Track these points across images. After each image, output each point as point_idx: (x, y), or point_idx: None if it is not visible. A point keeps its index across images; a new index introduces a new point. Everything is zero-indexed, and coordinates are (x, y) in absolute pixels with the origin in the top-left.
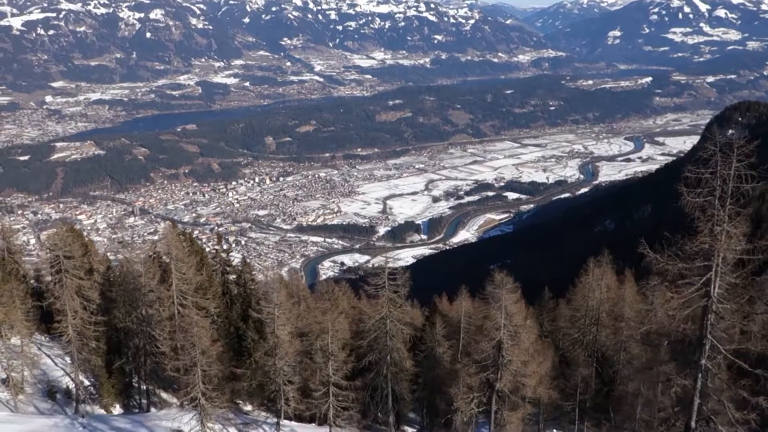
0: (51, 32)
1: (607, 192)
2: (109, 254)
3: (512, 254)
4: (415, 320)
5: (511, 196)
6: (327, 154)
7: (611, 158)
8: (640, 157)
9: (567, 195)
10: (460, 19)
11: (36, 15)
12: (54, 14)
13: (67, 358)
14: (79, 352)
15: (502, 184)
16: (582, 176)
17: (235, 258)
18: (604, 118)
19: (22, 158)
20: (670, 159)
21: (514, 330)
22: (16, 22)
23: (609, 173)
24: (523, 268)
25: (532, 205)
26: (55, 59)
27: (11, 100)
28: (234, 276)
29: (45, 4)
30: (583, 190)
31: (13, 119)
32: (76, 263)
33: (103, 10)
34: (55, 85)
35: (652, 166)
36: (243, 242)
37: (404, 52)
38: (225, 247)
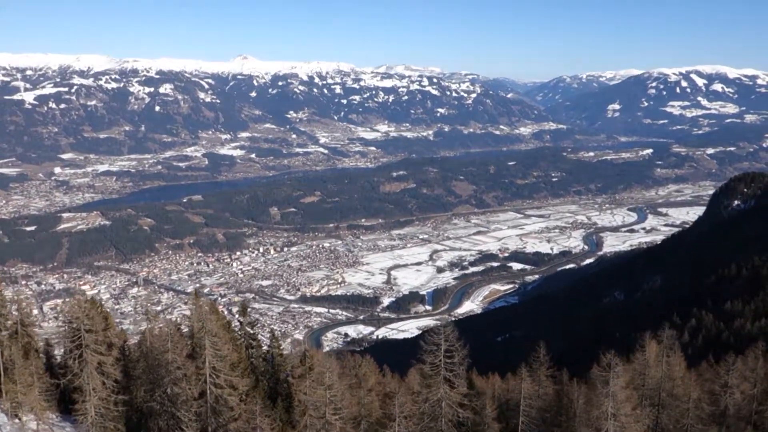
0: (62, 106)
1: (614, 263)
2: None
3: (520, 325)
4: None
5: (516, 266)
6: (331, 225)
7: (615, 229)
8: (643, 228)
9: (572, 266)
10: (462, 93)
11: (48, 89)
12: (66, 89)
13: None
14: None
15: (506, 254)
16: (586, 247)
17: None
18: (607, 189)
19: (28, 228)
20: (675, 229)
21: (623, 421)
22: (29, 96)
23: (613, 244)
24: (532, 339)
25: (537, 276)
26: (65, 132)
27: (20, 171)
28: (257, 350)
29: (58, 79)
30: (588, 260)
31: (21, 190)
32: (98, 337)
33: (114, 85)
34: (64, 156)
35: (657, 237)
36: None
37: (407, 124)
38: (250, 319)
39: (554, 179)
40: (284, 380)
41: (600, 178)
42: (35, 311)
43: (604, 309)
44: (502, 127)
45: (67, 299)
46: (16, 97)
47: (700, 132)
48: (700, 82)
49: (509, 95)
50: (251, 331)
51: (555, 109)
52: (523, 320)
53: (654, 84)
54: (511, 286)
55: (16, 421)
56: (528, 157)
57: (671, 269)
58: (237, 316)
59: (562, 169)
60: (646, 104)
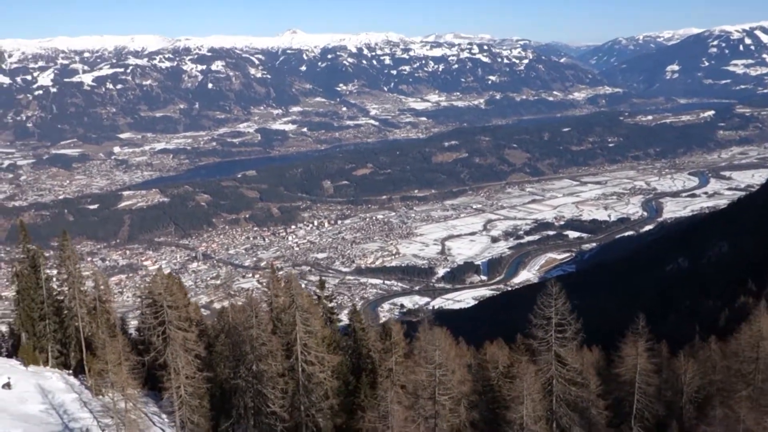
0: (119, 86)
1: (676, 229)
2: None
3: (579, 295)
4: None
5: (573, 234)
6: (384, 197)
7: (675, 194)
8: (705, 193)
9: (631, 233)
10: (513, 60)
11: (105, 71)
12: (122, 69)
13: (164, 416)
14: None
15: (562, 222)
16: (645, 213)
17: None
18: (666, 153)
19: (91, 207)
20: (740, 193)
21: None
22: (87, 78)
23: (674, 209)
24: (592, 309)
25: (594, 244)
26: (122, 112)
27: (82, 151)
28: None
29: (114, 60)
30: (648, 227)
31: (84, 170)
32: (180, 314)
33: (167, 64)
34: (122, 136)
35: (720, 201)
36: (303, 285)
37: (458, 93)
38: (327, 293)
39: (611, 145)
40: (367, 355)
41: (659, 142)
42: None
43: (669, 277)
44: (555, 93)
45: (130, 274)
46: (75, 79)
47: (766, 91)
48: (765, 38)
49: (562, 60)
50: (330, 305)
51: (610, 73)
52: (582, 289)
53: (715, 42)
54: (568, 254)
55: (101, 398)
56: (583, 122)
57: (738, 235)
58: (314, 289)
59: (619, 134)
60: (706, 64)
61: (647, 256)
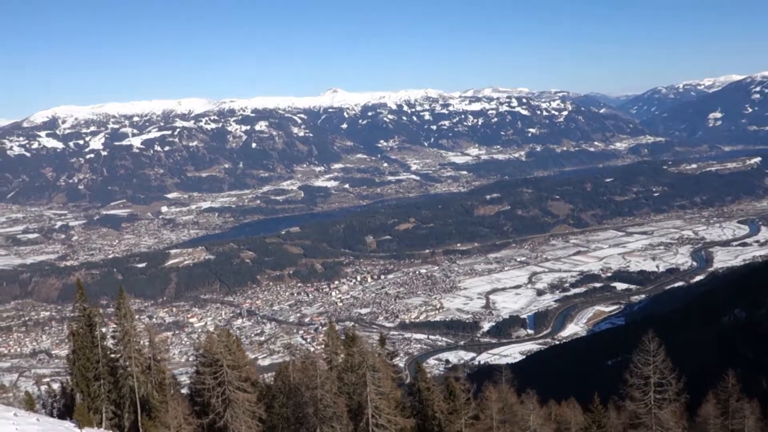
0: (167, 148)
1: (729, 278)
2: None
3: (630, 348)
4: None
5: (620, 286)
6: (427, 251)
7: (725, 243)
8: (757, 241)
9: (681, 283)
10: (553, 111)
11: (153, 133)
12: (169, 132)
13: None
14: None
15: (609, 274)
16: (695, 263)
17: None
18: (713, 201)
19: (139, 265)
20: None
21: None
22: (136, 141)
23: (725, 259)
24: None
25: (643, 296)
26: (170, 173)
27: (131, 212)
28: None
29: (162, 123)
30: (699, 277)
31: (132, 229)
32: (240, 374)
33: (213, 125)
34: (169, 196)
35: None
36: None
37: (498, 146)
38: (389, 350)
39: (655, 194)
40: (432, 416)
41: (705, 190)
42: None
43: (727, 328)
44: (596, 143)
45: (176, 331)
46: (125, 142)
47: None
48: None
49: (602, 110)
50: (392, 363)
51: (651, 122)
52: (633, 342)
53: (758, 88)
54: (616, 307)
55: None
56: (626, 172)
57: None
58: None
59: (663, 183)
60: (750, 110)
61: (701, 307)
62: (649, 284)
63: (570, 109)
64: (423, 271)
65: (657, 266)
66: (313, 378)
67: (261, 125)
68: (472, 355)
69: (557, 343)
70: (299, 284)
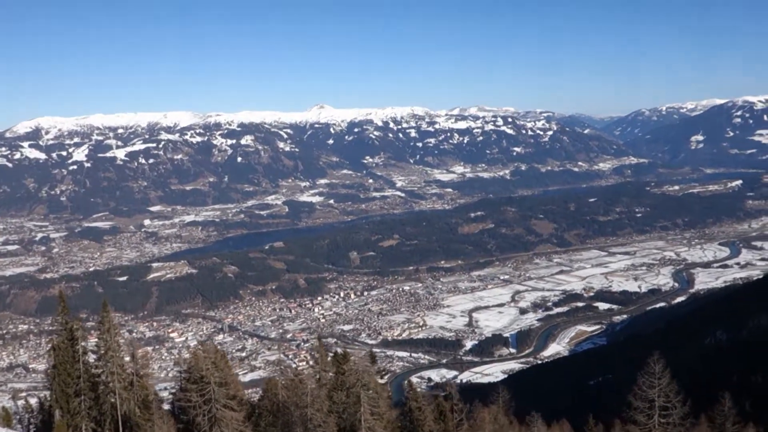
0: (151, 161)
1: (710, 300)
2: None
3: (612, 368)
4: None
5: (602, 306)
6: (411, 268)
7: (706, 265)
8: (738, 263)
9: (662, 304)
10: (538, 131)
11: (138, 146)
12: (154, 144)
13: None
14: None
15: (591, 294)
16: (677, 284)
17: None
18: (695, 223)
19: (120, 279)
20: None
21: None
22: (120, 153)
23: (706, 280)
24: (626, 383)
25: (625, 316)
26: (153, 185)
27: (113, 224)
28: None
29: (147, 136)
30: (680, 298)
31: (114, 242)
32: (228, 391)
33: (198, 139)
34: (153, 209)
35: (753, 272)
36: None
37: (483, 165)
38: (377, 367)
39: (638, 215)
40: None
41: (687, 212)
42: (127, 358)
43: (710, 349)
44: (580, 163)
45: (156, 346)
46: (109, 154)
47: None
48: None
49: (586, 131)
50: (381, 381)
51: (635, 143)
52: (615, 363)
53: (739, 113)
54: (598, 326)
55: None
56: (609, 193)
57: None
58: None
59: (646, 204)
60: (731, 134)
61: (682, 328)
62: (631, 304)
63: (555, 129)
64: (406, 288)
65: (639, 287)
66: (302, 396)
67: (247, 139)
68: (454, 373)
69: (539, 362)
70: (282, 300)
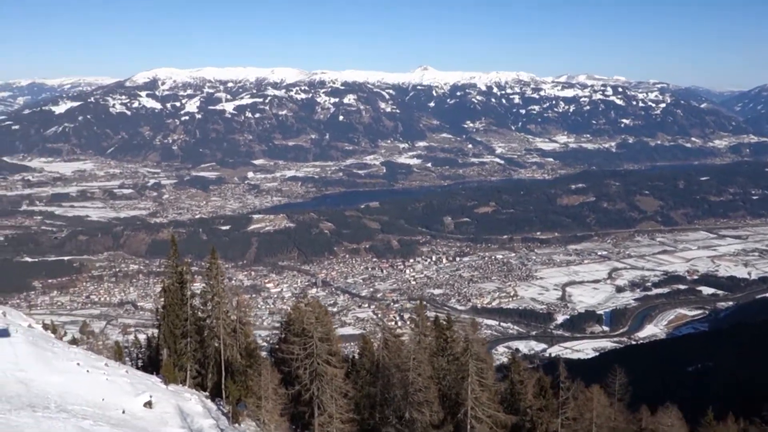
0: (257, 115)
1: None
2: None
3: (713, 356)
4: None
5: (706, 290)
6: (505, 237)
7: None
8: None
9: None
10: (649, 103)
11: (246, 100)
12: (261, 99)
13: None
14: None
15: (695, 277)
16: None
17: None
18: None
19: (223, 228)
20: None
21: None
22: (229, 107)
23: None
24: (727, 372)
25: (731, 303)
26: (258, 139)
27: (219, 175)
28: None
29: (254, 91)
30: None
31: (219, 192)
32: (330, 348)
33: (303, 96)
34: (256, 162)
35: None
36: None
37: (588, 135)
38: (484, 337)
39: (754, 197)
40: (524, 411)
41: None
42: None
43: None
44: (693, 139)
45: (253, 295)
46: (219, 107)
47: None
48: None
49: (703, 105)
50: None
51: (757, 121)
52: (717, 351)
53: None
54: (700, 311)
55: (236, 426)
56: (724, 172)
57: None
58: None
59: (764, 186)
60: None
61: None
62: (738, 291)
63: (668, 101)
64: (499, 256)
65: (749, 273)
66: (405, 359)
67: (349, 98)
68: (543, 346)
69: (634, 343)
70: (374, 259)
